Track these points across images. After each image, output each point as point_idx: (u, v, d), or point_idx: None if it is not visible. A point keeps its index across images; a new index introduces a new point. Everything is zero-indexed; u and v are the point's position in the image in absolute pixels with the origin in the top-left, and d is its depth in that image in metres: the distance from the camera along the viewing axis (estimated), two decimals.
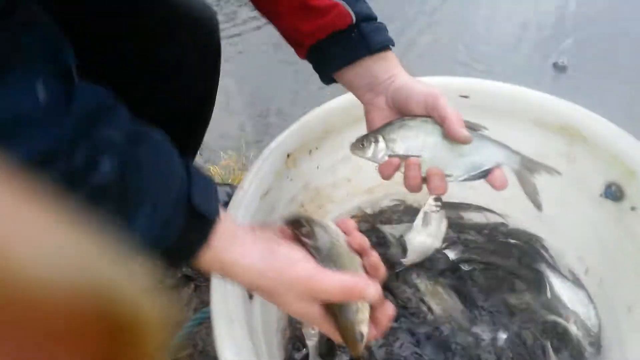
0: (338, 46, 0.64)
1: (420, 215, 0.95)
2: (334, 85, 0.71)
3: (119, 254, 0.16)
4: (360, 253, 0.56)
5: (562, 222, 0.93)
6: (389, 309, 0.54)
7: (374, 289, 0.50)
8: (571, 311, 0.87)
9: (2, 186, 0.14)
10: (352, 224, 0.58)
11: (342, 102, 0.85)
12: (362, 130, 0.91)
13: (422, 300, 0.86)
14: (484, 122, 0.87)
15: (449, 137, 0.59)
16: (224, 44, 0.86)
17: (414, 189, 0.61)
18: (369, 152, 0.61)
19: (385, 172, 0.62)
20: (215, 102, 0.90)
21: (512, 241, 0.97)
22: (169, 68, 0.76)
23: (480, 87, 0.86)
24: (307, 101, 1.43)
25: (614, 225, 0.83)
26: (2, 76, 0.37)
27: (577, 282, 0.90)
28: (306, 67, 0.70)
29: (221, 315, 0.61)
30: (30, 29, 0.39)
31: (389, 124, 0.62)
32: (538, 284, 0.90)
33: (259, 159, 0.76)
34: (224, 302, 0.62)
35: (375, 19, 0.66)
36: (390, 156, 0.61)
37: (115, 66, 0.69)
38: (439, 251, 0.95)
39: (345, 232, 0.57)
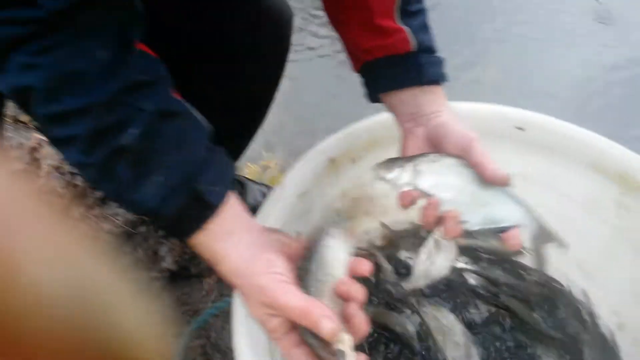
0: (391, 69, 0.66)
1: (430, 242, 0.92)
2: None
3: (124, 281, 0.16)
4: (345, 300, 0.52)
5: (602, 273, 0.89)
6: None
7: (329, 325, 0.46)
8: None
9: (12, 204, 0.14)
10: (363, 268, 0.55)
11: (390, 117, 0.84)
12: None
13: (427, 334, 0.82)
14: (536, 158, 0.85)
15: (486, 180, 0.58)
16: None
17: (427, 225, 0.61)
18: (393, 175, 0.61)
19: (404, 201, 0.61)
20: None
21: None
22: (242, 50, 0.79)
23: (537, 121, 0.84)
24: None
25: None
26: (72, 39, 0.44)
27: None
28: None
29: (240, 307, 0.60)
30: (103, 4, 0.45)
31: (422, 155, 0.62)
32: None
33: (302, 159, 0.76)
34: None
35: (435, 52, 0.67)
36: (413, 188, 0.60)
37: (191, 42, 0.73)
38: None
39: (350, 271, 0.55)
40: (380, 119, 0.84)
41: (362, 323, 0.50)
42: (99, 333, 0.14)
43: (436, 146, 0.64)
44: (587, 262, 0.91)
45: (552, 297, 0.91)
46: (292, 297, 0.48)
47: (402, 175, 0.60)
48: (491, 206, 0.60)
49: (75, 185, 1.19)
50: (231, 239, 0.52)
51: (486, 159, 0.59)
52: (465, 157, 0.60)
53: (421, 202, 0.60)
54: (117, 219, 1.16)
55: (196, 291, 1.12)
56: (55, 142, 0.49)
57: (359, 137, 0.81)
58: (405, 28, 0.64)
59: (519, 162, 0.88)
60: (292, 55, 0.90)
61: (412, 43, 0.64)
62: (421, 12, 0.66)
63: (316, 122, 1.60)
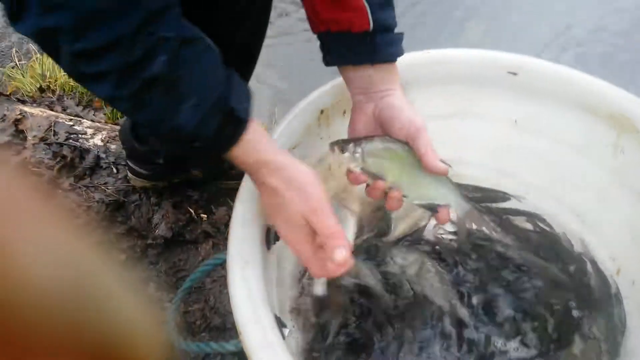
0: (345, 46, 0.65)
1: None
2: None
3: (122, 277, 0.16)
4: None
5: (597, 217, 0.89)
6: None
7: (342, 253, 0.53)
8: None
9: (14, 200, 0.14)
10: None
11: None
12: None
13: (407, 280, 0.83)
14: (529, 102, 0.84)
15: (428, 170, 0.63)
16: None
17: (374, 198, 0.67)
18: (344, 159, 0.65)
19: (353, 182, 0.66)
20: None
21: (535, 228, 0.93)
22: None
23: (530, 65, 0.82)
24: None
25: None
26: None
27: None
28: None
29: (236, 257, 0.60)
30: None
31: (372, 138, 0.65)
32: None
33: (291, 112, 0.74)
34: (241, 245, 0.61)
35: (393, 29, 0.66)
36: (362, 169, 0.64)
37: None
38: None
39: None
40: None
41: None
42: (93, 323, 0.14)
43: (383, 126, 0.66)
44: (583, 207, 0.91)
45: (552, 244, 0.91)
46: (330, 219, 0.55)
47: (353, 159, 0.64)
48: (428, 188, 0.66)
49: (63, 156, 1.17)
50: (266, 146, 0.57)
51: (430, 150, 0.61)
52: (410, 144, 0.63)
53: (369, 181, 0.65)
54: (108, 188, 1.14)
55: (192, 257, 1.12)
56: (85, 78, 0.50)
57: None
58: (366, 5, 0.62)
59: (511, 108, 0.87)
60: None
61: (370, 23, 0.63)
62: None
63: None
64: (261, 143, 0.56)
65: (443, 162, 0.63)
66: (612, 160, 0.83)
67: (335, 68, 0.70)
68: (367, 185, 0.66)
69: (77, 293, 0.14)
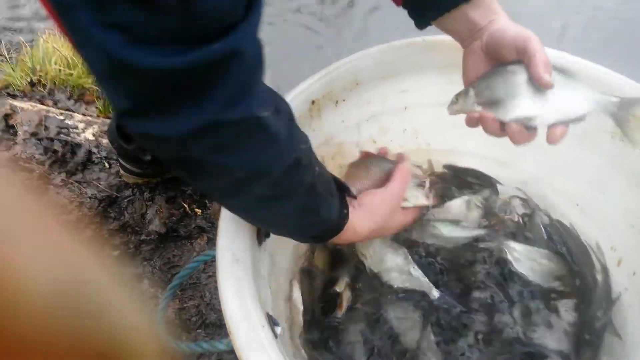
0: None
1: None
2: None
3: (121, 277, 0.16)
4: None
5: (597, 207, 0.87)
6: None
7: (407, 164, 0.70)
8: None
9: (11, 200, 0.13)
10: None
11: (373, 53, 0.80)
12: (392, 89, 0.87)
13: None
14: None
15: (533, 80, 0.58)
16: None
17: (493, 134, 0.64)
18: (459, 105, 0.65)
19: (469, 124, 0.66)
20: None
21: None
22: None
23: None
24: None
25: None
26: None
27: None
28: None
29: (226, 253, 0.58)
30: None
31: (481, 76, 0.64)
32: None
33: None
34: (231, 241, 0.60)
35: None
36: (479, 103, 0.63)
37: None
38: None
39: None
40: (361, 55, 0.80)
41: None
42: (89, 322, 0.14)
43: (494, 54, 0.63)
44: (583, 197, 0.89)
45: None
46: (393, 185, 0.67)
47: (466, 100, 0.64)
48: (558, 100, 0.60)
49: (54, 151, 1.15)
50: (355, 210, 0.62)
51: (539, 57, 0.58)
52: (521, 57, 0.60)
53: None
54: (100, 184, 1.12)
55: (186, 253, 1.10)
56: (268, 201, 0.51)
57: (340, 76, 0.77)
58: None
59: None
60: None
61: None
62: None
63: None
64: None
65: (562, 71, 0.61)
66: (610, 148, 0.81)
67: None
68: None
69: (73, 292, 0.13)
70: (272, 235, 0.69)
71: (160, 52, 0.35)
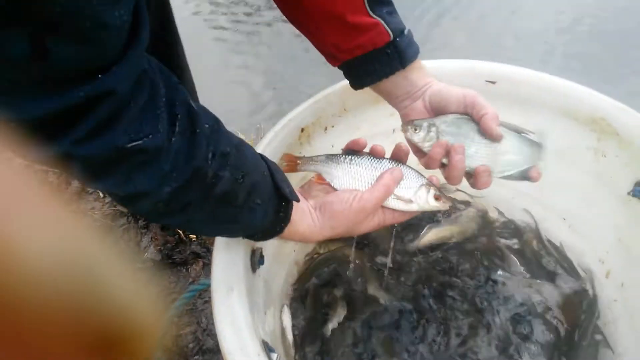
0: (374, 63, 0.66)
1: None
2: None
3: (122, 262, 0.16)
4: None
5: (585, 221, 0.89)
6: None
7: (397, 172, 0.64)
8: None
9: (9, 185, 0.14)
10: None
11: None
12: (381, 113, 0.89)
13: None
14: (509, 110, 0.84)
15: (485, 132, 0.62)
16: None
17: (459, 175, 0.65)
18: (419, 137, 0.65)
19: (431, 164, 0.66)
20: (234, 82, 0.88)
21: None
22: None
23: (507, 73, 0.83)
24: None
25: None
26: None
27: None
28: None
29: (220, 283, 0.59)
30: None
31: (441, 116, 0.66)
32: None
33: (272, 130, 0.74)
34: (225, 270, 0.61)
35: (405, 28, 0.66)
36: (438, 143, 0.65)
37: None
38: None
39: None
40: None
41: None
42: (94, 308, 0.14)
43: (440, 110, 0.67)
44: (570, 212, 0.91)
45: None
46: (372, 195, 0.62)
47: (427, 136, 0.65)
48: (509, 154, 0.65)
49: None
50: (305, 217, 0.61)
51: (490, 111, 0.63)
52: (470, 112, 0.64)
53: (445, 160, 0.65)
54: (95, 213, 1.13)
55: (182, 279, 1.11)
56: (173, 213, 0.49)
57: (330, 103, 0.80)
58: (379, 20, 0.63)
59: None
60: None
61: (390, 33, 0.64)
62: None
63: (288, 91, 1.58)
64: (297, 208, 0.60)
65: (512, 128, 0.65)
66: (594, 165, 0.83)
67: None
68: (443, 165, 0.65)
69: (74, 269, 0.13)
70: (266, 261, 0.70)
71: (23, 100, 0.34)
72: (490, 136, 0.63)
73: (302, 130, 0.77)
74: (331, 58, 0.69)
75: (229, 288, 0.59)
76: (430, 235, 0.92)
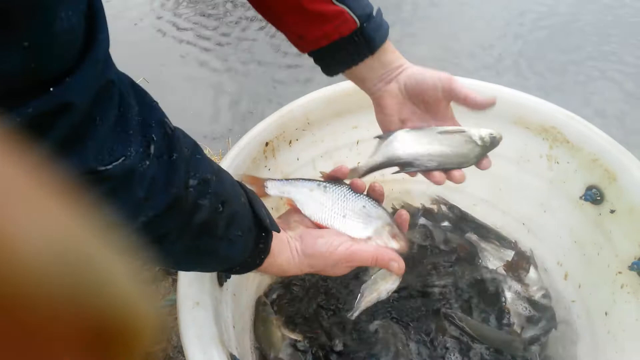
0: (342, 51, 0.65)
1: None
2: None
3: (119, 255, 0.16)
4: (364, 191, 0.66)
5: (542, 226, 0.93)
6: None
7: (397, 264, 0.61)
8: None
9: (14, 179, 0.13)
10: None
11: (324, 94, 0.84)
12: (344, 125, 0.91)
13: None
14: (465, 120, 0.87)
15: (475, 107, 0.64)
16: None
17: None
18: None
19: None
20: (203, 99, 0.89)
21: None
22: None
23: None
24: None
25: (593, 228, 0.82)
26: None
27: None
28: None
29: (186, 298, 0.60)
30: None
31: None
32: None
33: (237, 145, 0.75)
34: (191, 285, 0.61)
35: (373, 13, 0.65)
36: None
37: None
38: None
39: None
40: (312, 97, 0.84)
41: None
42: (92, 304, 0.14)
43: (415, 93, 0.66)
44: (528, 217, 0.95)
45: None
46: (366, 251, 0.60)
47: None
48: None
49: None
50: (285, 249, 0.59)
51: (469, 91, 0.63)
52: (448, 95, 0.65)
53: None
54: None
55: (151, 296, 1.10)
56: (147, 245, 0.46)
57: (293, 118, 0.81)
58: (344, 7, 0.61)
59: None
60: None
61: (356, 20, 0.62)
62: None
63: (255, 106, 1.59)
64: (276, 238, 0.58)
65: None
66: (548, 171, 0.87)
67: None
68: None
69: (77, 274, 0.13)
70: (233, 275, 0.70)
71: None
72: (484, 106, 0.64)
73: (267, 144, 0.78)
74: (298, 46, 0.67)
75: (194, 303, 0.59)
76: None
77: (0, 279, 0.12)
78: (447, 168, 0.66)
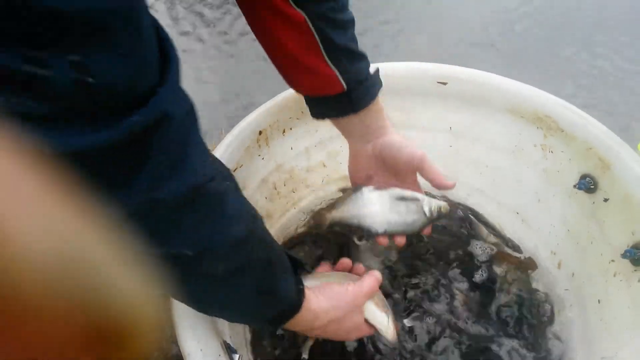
0: (326, 104, 0.67)
1: None
2: None
3: (124, 255, 0.16)
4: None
5: (536, 215, 0.93)
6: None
7: (377, 275, 0.66)
8: None
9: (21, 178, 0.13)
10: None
11: None
12: None
13: None
14: (461, 110, 0.87)
15: (439, 188, 0.69)
16: None
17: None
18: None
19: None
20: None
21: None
22: None
23: (458, 74, 0.86)
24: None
25: (587, 217, 0.83)
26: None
27: None
28: None
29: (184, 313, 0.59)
30: None
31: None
32: None
33: (230, 134, 0.74)
34: None
35: (366, 78, 0.65)
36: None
37: None
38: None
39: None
40: None
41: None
42: (94, 303, 0.14)
43: (388, 163, 0.70)
44: (522, 208, 0.95)
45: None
46: (365, 283, 0.64)
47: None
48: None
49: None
50: (310, 293, 0.57)
51: (437, 175, 0.68)
52: (419, 171, 0.69)
53: None
54: None
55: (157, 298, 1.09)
56: (215, 284, 0.44)
57: (287, 106, 0.81)
58: (335, 72, 0.62)
59: (447, 117, 0.90)
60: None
61: (343, 85, 0.63)
62: (348, 42, 0.62)
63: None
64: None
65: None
66: (543, 160, 0.87)
67: None
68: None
69: (79, 273, 0.13)
70: None
71: (64, 135, 0.27)
72: (441, 189, 0.69)
73: (260, 133, 0.78)
74: (287, 82, 0.68)
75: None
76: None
77: (2, 280, 0.12)
78: (392, 234, 0.72)
